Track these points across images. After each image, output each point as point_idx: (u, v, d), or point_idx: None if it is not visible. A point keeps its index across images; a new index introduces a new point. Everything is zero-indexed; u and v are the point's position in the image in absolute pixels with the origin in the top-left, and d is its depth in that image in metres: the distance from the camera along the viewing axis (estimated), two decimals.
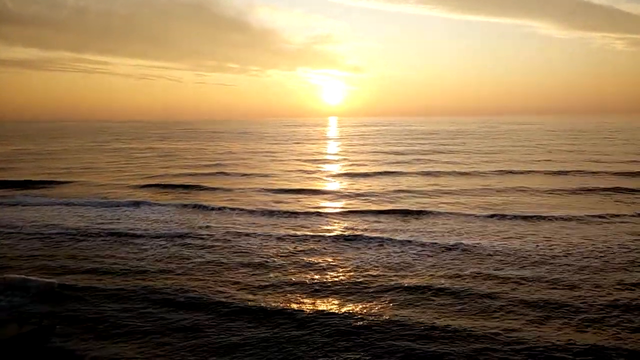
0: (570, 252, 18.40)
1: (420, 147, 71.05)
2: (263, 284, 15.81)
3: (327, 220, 24.86)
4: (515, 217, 24.40)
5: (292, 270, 17.09)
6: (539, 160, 49.92)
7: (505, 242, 19.99)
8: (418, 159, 53.92)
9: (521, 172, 41.02)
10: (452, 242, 19.91)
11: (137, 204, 29.16)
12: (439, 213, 25.69)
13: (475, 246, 19.40)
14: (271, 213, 26.44)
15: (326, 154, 66.58)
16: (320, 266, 17.55)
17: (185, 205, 28.57)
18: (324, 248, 19.86)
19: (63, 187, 36.93)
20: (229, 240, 20.96)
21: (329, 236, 21.55)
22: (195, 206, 28.26)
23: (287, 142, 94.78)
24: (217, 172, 44.18)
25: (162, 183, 37.96)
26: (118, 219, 25.57)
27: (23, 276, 15.67)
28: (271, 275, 16.65)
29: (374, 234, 21.62)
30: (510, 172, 41.31)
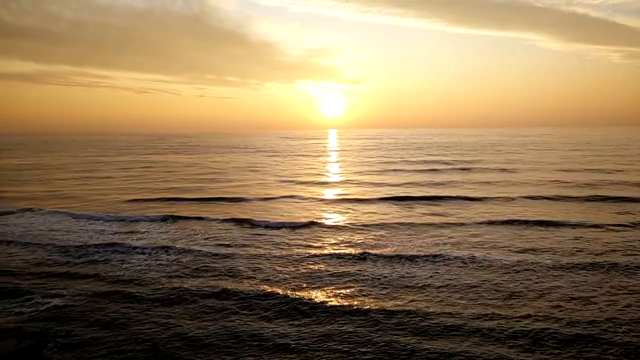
0: None
1: (418, 166, 65.60)
2: None
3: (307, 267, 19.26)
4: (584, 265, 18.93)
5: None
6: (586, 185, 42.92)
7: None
8: (420, 181, 48.35)
9: (575, 198, 34.74)
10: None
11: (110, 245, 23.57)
12: (455, 258, 20.15)
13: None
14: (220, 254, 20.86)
15: (325, 172, 61.00)
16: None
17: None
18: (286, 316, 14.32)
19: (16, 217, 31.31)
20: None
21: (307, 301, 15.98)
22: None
23: (283, 156, 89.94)
24: (206, 198, 38.63)
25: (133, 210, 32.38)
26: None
27: None
28: None
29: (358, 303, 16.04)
30: (555, 197, 35.73)
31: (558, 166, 58.72)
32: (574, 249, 21.17)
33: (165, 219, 29.42)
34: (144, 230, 26.79)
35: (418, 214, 30.22)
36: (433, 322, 13.91)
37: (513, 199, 34.72)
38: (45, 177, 56.11)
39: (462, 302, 15.41)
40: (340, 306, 15.24)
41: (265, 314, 14.84)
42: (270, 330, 13.70)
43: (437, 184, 44.15)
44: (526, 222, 26.44)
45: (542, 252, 20.84)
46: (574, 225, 25.71)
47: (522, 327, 13.43)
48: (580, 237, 23.27)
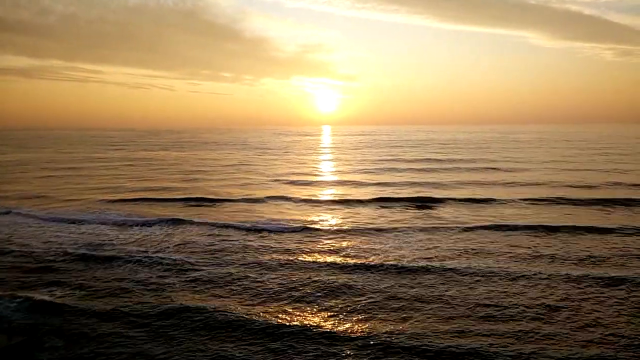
0: None
1: (412, 164, 64.04)
2: None
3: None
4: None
5: None
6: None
7: None
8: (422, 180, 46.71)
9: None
10: None
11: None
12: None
13: None
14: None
15: (316, 170, 59.30)
16: None
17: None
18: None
19: None
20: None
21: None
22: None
23: (275, 153, 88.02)
24: (189, 198, 36.87)
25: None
26: None
27: None
28: None
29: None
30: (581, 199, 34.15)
31: (559, 165, 57.20)
32: (584, 257, 19.54)
33: (141, 223, 27.36)
34: (115, 235, 24.85)
35: (413, 216, 28.58)
36: (442, 346, 12.21)
37: (513, 201, 33.02)
38: (31, 174, 54.04)
39: (473, 321, 13.71)
40: (326, 326, 13.51)
41: (244, 335, 13.08)
42: (246, 355, 11.96)
43: (432, 184, 42.43)
44: (529, 227, 24.70)
45: (557, 261, 19.19)
46: (582, 230, 24.09)
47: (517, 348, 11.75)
48: (588, 245, 21.65)
